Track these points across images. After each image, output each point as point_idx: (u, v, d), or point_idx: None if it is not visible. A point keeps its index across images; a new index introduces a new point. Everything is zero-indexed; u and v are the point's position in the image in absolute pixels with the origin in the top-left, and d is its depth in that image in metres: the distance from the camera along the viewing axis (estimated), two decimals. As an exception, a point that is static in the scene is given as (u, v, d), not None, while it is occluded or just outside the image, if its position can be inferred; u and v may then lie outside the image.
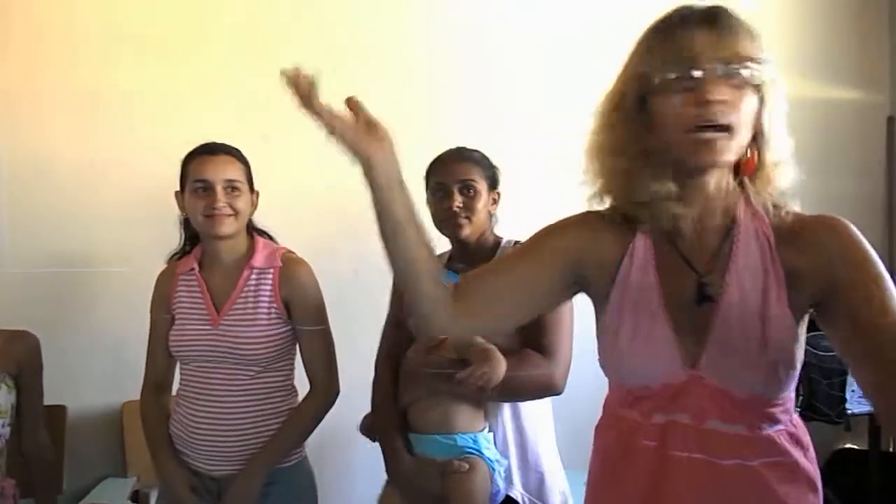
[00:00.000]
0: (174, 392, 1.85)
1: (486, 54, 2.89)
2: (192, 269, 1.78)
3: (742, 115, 0.96)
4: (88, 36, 2.41)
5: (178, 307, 1.78)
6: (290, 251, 1.83)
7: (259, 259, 1.75)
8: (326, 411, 1.77)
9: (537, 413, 1.67)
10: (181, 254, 1.86)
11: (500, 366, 1.44)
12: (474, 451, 1.51)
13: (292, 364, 1.80)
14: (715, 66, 0.95)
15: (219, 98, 2.52)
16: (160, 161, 2.33)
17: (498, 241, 1.76)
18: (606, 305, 1.08)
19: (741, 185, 1.05)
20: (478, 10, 2.89)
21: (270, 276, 1.74)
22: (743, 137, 0.98)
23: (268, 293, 1.73)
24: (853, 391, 3.03)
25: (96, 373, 2.39)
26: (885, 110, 3.68)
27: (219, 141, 1.78)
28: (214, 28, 2.55)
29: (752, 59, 0.97)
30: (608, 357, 1.09)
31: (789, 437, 1.05)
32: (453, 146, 1.76)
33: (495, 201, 1.75)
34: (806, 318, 1.03)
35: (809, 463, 1.07)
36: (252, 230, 1.83)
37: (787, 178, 1.04)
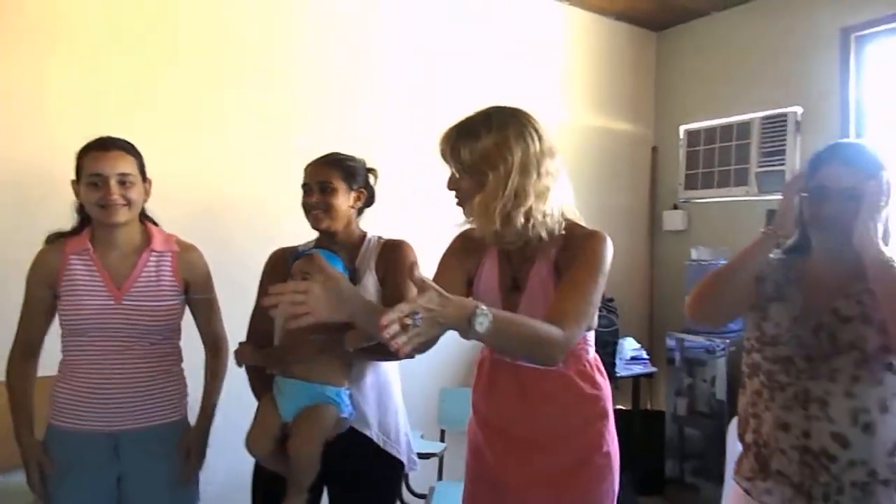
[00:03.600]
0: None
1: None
2: (86, 249, 1.89)
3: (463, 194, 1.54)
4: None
5: (70, 285, 1.87)
6: (178, 238, 2.02)
7: (158, 244, 1.95)
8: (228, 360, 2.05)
9: (392, 371, 2.03)
10: (63, 234, 1.94)
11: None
12: (333, 400, 1.82)
13: (180, 331, 2.02)
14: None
15: (85, 91, 2.61)
16: (11, 146, 2.43)
17: (363, 234, 2.01)
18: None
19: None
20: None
21: (169, 258, 1.95)
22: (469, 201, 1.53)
23: (168, 272, 1.94)
24: (621, 358, 3.82)
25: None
26: (650, 141, 4.50)
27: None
28: (80, 17, 2.63)
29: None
30: None
31: (579, 373, 1.60)
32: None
33: (359, 198, 1.98)
34: None
35: (590, 386, 1.62)
36: (142, 217, 1.98)
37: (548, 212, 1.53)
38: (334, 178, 1.94)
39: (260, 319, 1.99)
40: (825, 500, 1.54)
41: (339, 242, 1.96)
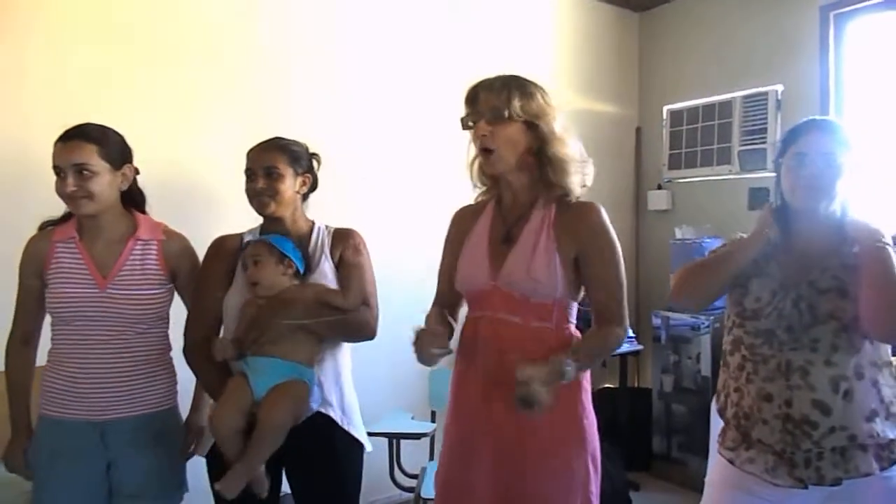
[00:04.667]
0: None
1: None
2: (72, 237, 1.89)
3: (500, 140, 1.61)
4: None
5: (56, 272, 1.87)
6: (167, 226, 2.01)
7: (144, 232, 1.94)
8: None
9: (346, 355, 2.04)
10: (54, 222, 1.94)
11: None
12: (306, 379, 1.82)
13: (168, 321, 2.00)
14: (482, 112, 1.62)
15: (64, 78, 2.61)
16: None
17: (311, 223, 2.00)
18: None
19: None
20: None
21: (155, 246, 1.94)
22: (504, 154, 1.62)
23: (154, 261, 1.93)
24: (608, 337, 3.85)
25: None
26: (634, 122, 4.54)
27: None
28: (58, 4, 2.63)
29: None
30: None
31: (556, 334, 1.62)
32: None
33: (304, 183, 1.96)
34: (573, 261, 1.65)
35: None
36: (128, 203, 1.95)
37: (571, 177, 1.68)
38: (280, 162, 1.91)
39: (205, 299, 1.96)
40: (806, 466, 1.59)
41: (286, 228, 1.94)
